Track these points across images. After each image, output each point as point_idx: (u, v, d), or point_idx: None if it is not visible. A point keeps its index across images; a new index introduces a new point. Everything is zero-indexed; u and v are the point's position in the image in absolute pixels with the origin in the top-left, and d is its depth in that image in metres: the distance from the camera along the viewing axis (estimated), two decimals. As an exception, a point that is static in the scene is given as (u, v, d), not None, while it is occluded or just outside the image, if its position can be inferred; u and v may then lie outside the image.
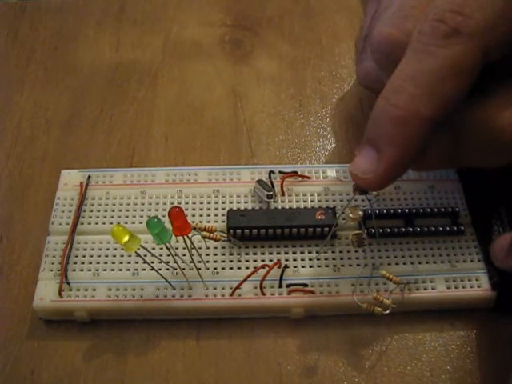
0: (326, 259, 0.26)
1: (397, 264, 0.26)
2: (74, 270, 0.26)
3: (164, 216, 0.26)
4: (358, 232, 0.25)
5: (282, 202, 0.28)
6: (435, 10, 0.22)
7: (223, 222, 0.27)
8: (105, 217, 0.27)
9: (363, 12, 0.29)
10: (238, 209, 0.27)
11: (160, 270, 0.25)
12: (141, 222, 0.27)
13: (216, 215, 0.27)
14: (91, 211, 0.27)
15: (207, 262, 0.26)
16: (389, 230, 0.26)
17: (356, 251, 0.26)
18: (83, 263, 0.26)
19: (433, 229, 0.26)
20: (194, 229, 0.24)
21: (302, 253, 0.26)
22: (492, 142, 0.23)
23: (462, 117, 0.23)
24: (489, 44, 0.21)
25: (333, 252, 0.26)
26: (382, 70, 0.25)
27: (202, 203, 0.28)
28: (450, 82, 0.21)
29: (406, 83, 0.21)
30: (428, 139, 0.22)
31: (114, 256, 0.26)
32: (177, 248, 0.26)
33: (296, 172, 0.28)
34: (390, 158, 0.22)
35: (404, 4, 0.24)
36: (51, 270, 0.25)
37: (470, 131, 0.23)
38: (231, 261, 0.26)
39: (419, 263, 0.26)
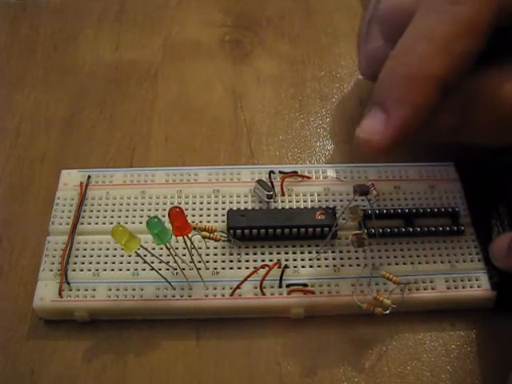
0: (326, 259, 0.26)
1: (397, 264, 0.26)
2: (74, 270, 0.26)
3: (164, 216, 0.26)
4: (357, 232, 0.25)
5: (282, 202, 0.28)
6: None
7: (223, 222, 0.27)
8: (105, 217, 0.27)
9: None
10: (238, 209, 0.27)
11: (160, 270, 0.25)
12: (141, 222, 0.27)
13: (216, 215, 0.27)
14: (91, 211, 0.27)
15: (207, 262, 0.26)
16: (389, 230, 0.26)
17: (356, 251, 0.26)
18: (83, 263, 0.26)
19: (433, 229, 0.26)
20: (194, 229, 0.24)
21: (302, 253, 0.26)
22: (499, 112, 0.23)
23: (471, 85, 0.22)
24: (501, 6, 0.21)
25: (333, 252, 0.26)
26: (389, 44, 0.25)
27: (202, 203, 0.28)
28: (461, 40, 0.21)
29: (417, 42, 0.21)
30: (437, 102, 0.21)
31: (114, 256, 0.26)
32: (177, 248, 0.26)
33: (296, 172, 0.28)
34: (399, 118, 0.21)
35: None
36: (51, 270, 0.25)
37: (478, 100, 0.23)
38: (231, 261, 0.26)
39: (419, 263, 0.26)
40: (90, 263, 0.26)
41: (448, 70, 0.21)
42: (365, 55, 0.29)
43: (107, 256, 0.26)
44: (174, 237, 0.24)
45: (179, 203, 0.27)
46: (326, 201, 0.28)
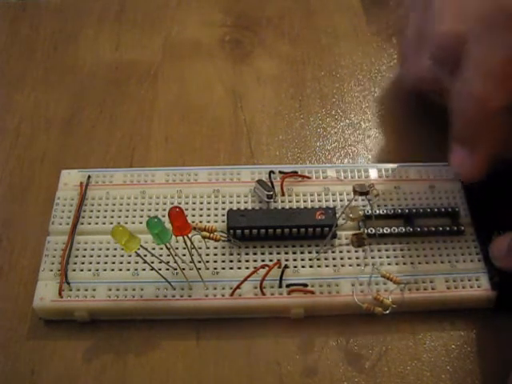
0: (325, 259, 0.26)
1: (397, 264, 0.26)
2: (74, 270, 0.26)
3: (164, 216, 0.26)
4: (358, 232, 0.25)
5: (282, 202, 0.28)
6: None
7: (223, 222, 0.27)
8: (105, 217, 0.27)
9: (407, 7, 0.29)
10: (238, 209, 0.27)
11: (160, 270, 0.25)
12: (141, 222, 0.27)
13: (216, 215, 0.27)
14: (91, 211, 0.27)
15: (207, 262, 0.26)
16: (389, 229, 0.26)
17: (356, 251, 0.26)
18: (83, 263, 0.26)
19: (433, 229, 0.26)
20: (194, 229, 0.24)
21: (302, 253, 0.26)
22: None
23: None
24: None
25: (333, 252, 0.26)
26: (441, 68, 0.25)
27: (202, 203, 0.28)
28: None
29: (479, 78, 0.22)
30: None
31: (114, 256, 0.26)
32: (177, 248, 0.26)
33: (296, 172, 0.28)
34: (482, 153, 0.23)
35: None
36: (51, 270, 0.25)
37: None
38: (231, 261, 0.26)
39: (419, 263, 0.26)
40: (90, 263, 0.26)
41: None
42: (415, 73, 0.29)
43: (107, 256, 0.26)
44: (174, 237, 0.24)
45: (179, 203, 0.27)
46: (326, 201, 0.28)
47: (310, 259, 0.26)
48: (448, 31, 0.24)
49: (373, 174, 0.29)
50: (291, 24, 0.37)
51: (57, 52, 0.36)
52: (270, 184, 0.28)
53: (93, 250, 0.26)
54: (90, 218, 0.27)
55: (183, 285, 0.25)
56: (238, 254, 0.26)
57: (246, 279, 0.25)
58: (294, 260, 0.26)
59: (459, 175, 0.27)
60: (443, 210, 0.27)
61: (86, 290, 0.25)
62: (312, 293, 0.25)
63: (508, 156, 0.26)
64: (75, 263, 0.26)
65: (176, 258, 0.25)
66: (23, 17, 0.38)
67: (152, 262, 0.25)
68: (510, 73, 0.22)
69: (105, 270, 0.26)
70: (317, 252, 0.26)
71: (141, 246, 0.23)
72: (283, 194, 0.28)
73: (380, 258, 0.26)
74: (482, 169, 0.25)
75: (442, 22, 0.24)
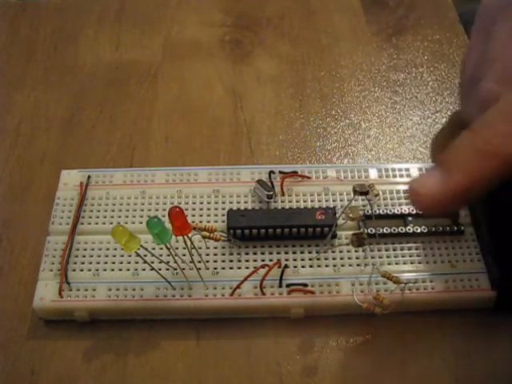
0: (326, 259, 0.26)
1: (397, 264, 0.26)
2: (74, 270, 0.26)
3: (164, 216, 0.26)
4: (357, 232, 0.25)
5: (282, 202, 0.28)
6: None
7: (223, 222, 0.27)
8: (105, 217, 0.27)
9: (470, 41, 0.28)
10: (238, 209, 0.27)
11: (160, 270, 0.25)
12: (141, 222, 0.27)
13: (216, 215, 0.27)
14: (91, 211, 0.27)
15: (207, 261, 0.26)
16: (389, 229, 0.26)
17: (356, 251, 0.26)
18: (83, 263, 0.26)
19: (433, 229, 0.26)
20: (194, 229, 0.24)
21: (302, 253, 0.26)
22: None
23: None
24: None
25: (333, 252, 0.26)
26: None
27: (202, 203, 0.28)
28: None
29: (497, 120, 0.21)
30: (502, 180, 0.22)
31: (114, 256, 0.26)
32: (177, 248, 0.26)
33: (296, 172, 0.28)
34: (460, 184, 0.21)
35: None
36: (51, 270, 0.25)
37: None
38: (231, 261, 0.26)
39: (419, 263, 0.26)
40: (90, 263, 0.26)
41: None
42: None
43: (107, 256, 0.26)
44: (174, 237, 0.23)
45: (179, 203, 0.27)
46: (326, 201, 0.28)
47: (309, 259, 0.26)
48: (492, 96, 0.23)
49: (373, 174, 0.28)
50: (291, 24, 0.37)
51: (57, 52, 0.36)
52: (270, 184, 0.28)
53: (93, 249, 0.26)
54: (90, 217, 0.27)
55: (183, 285, 0.25)
56: (238, 254, 0.26)
57: (246, 279, 0.25)
58: (294, 260, 0.26)
59: (419, 195, 0.22)
60: (443, 210, 0.27)
61: (86, 290, 0.25)
62: (312, 293, 0.25)
63: None
64: (75, 263, 0.26)
65: (176, 257, 0.25)
66: (23, 17, 0.38)
67: (152, 262, 0.25)
68: None
69: (105, 269, 0.26)
70: (317, 252, 0.26)
71: (141, 245, 0.23)
72: (283, 194, 0.28)
73: (380, 257, 0.26)
74: (446, 200, 0.22)
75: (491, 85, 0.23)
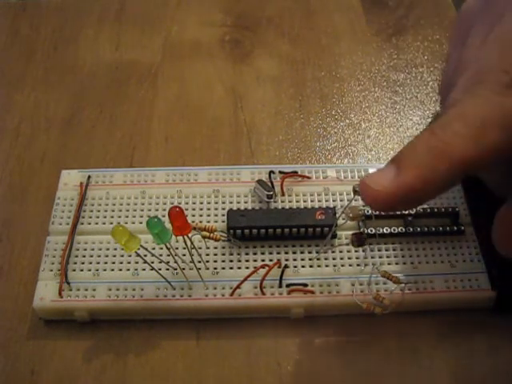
0: (326, 259, 0.26)
1: (397, 264, 0.26)
2: (74, 270, 0.26)
3: (164, 216, 0.26)
4: (357, 232, 0.25)
5: (282, 202, 0.28)
6: (503, 64, 0.21)
7: (223, 222, 0.27)
8: (105, 217, 0.27)
9: (449, 47, 0.27)
10: (238, 209, 0.27)
11: (160, 270, 0.25)
12: (141, 222, 0.27)
13: (216, 215, 0.27)
14: (91, 211, 0.27)
15: (207, 261, 0.26)
16: (389, 229, 0.26)
17: (356, 251, 0.26)
18: (83, 263, 0.26)
19: (433, 229, 0.26)
20: (194, 229, 0.24)
21: (302, 253, 0.26)
22: None
23: None
24: None
25: (333, 252, 0.26)
26: None
27: (202, 203, 0.28)
28: (496, 132, 0.21)
29: (455, 121, 0.21)
30: (453, 184, 0.22)
31: (114, 256, 0.26)
32: (177, 248, 0.26)
33: (296, 172, 0.28)
34: (408, 179, 0.21)
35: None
36: (51, 270, 0.25)
37: None
38: (231, 261, 0.26)
39: (419, 263, 0.26)
40: (90, 263, 0.26)
41: (473, 158, 0.21)
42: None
43: (107, 256, 0.26)
44: (174, 237, 0.24)
45: (179, 203, 0.27)
46: (326, 201, 0.28)
47: (309, 259, 0.26)
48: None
49: (373, 174, 0.28)
50: (291, 24, 0.37)
51: (57, 52, 0.36)
52: (270, 184, 0.28)
53: (93, 249, 0.26)
54: (90, 218, 0.27)
55: (183, 285, 0.25)
56: (238, 254, 0.26)
57: (245, 279, 0.25)
58: (294, 260, 0.26)
59: (367, 189, 0.21)
60: (443, 210, 0.27)
61: (86, 289, 0.25)
62: (312, 293, 0.25)
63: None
64: (75, 263, 0.26)
65: (176, 257, 0.25)
66: (23, 17, 0.38)
67: (152, 262, 0.25)
68: (483, 133, 0.20)
69: (105, 269, 0.26)
70: (317, 252, 0.26)
71: (141, 245, 0.23)
72: (283, 194, 0.28)
73: (380, 257, 0.26)
74: (394, 196, 0.21)
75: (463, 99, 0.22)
